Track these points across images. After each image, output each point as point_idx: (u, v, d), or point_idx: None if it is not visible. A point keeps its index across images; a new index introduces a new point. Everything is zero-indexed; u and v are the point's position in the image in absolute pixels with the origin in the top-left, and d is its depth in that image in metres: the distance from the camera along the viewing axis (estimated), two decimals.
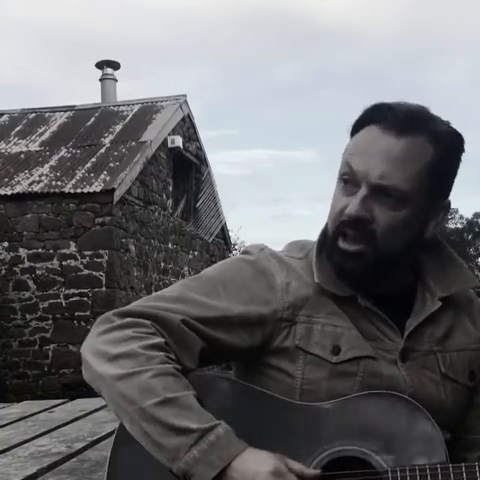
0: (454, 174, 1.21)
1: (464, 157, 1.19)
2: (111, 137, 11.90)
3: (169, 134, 12.17)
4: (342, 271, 1.18)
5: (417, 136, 1.13)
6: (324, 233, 1.23)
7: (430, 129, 1.15)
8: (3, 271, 10.39)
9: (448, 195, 1.21)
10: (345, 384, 1.16)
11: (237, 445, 1.03)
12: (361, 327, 1.18)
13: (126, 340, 1.10)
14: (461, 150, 1.19)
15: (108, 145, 11.63)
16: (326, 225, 1.22)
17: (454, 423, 1.23)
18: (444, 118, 1.18)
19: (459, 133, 1.18)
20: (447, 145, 1.16)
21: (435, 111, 1.19)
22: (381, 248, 1.14)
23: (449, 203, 1.21)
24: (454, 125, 1.18)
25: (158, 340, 1.10)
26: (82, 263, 10.14)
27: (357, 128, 1.19)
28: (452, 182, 1.21)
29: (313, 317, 1.18)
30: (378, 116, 1.15)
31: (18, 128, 12.90)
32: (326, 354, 1.17)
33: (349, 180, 1.16)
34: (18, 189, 10.53)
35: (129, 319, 1.13)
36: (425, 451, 1.10)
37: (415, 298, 1.24)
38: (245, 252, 1.27)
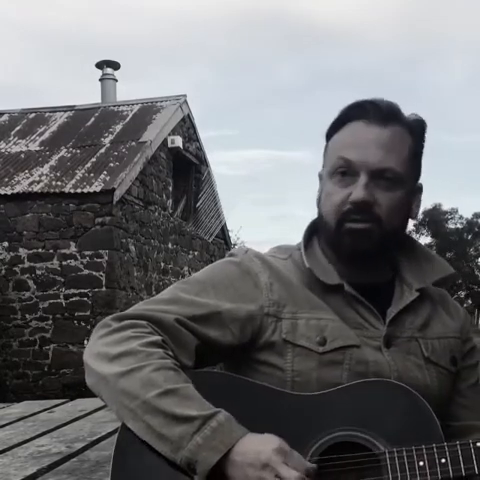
0: (421, 158, 1.32)
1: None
2: (111, 137, 11.90)
3: (169, 134, 12.17)
4: (353, 251, 1.24)
5: (397, 126, 1.26)
6: (311, 227, 1.33)
7: (405, 119, 1.28)
8: (3, 271, 10.38)
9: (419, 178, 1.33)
10: (334, 373, 1.20)
11: (238, 430, 1.06)
12: (345, 316, 1.24)
13: (125, 340, 1.14)
14: (425, 136, 1.32)
15: (108, 145, 11.63)
16: (314, 222, 1.32)
17: (441, 409, 1.25)
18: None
19: (424, 120, 1.31)
20: (419, 133, 1.29)
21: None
22: (385, 226, 1.23)
23: (421, 185, 1.33)
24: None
25: (156, 338, 1.15)
26: (82, 263, 10.14)
27: (336, 129, 1.28)
28: (421, 166, 1.33)
29: (297, 313, 1.23)
30: (358, 113, 1.26)
31: (18, 128, 12.90)
32: (313, 345, 1.21)
33: (346, 172, 1.24)
34: (18, 189, 10.53)
35: (127, 321, 1.18)
36: (421, 432, 1.13)
37: (394, 291, 1.30)
38: (231, 255, 1.34)
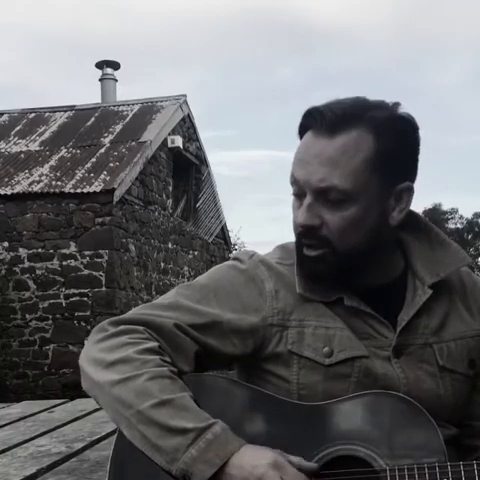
0: (410, 156, 1.18)
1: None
2: (111, 137, 11.90)
3: (169, 134, 12.17)
4: (314, 276, 1.19)
5: (351, 131, 1.12)
6: None
7: (366, 119, 1.13)
8: (3, 271, 10.38)
9: (409, 178, 1.18)
10: (340, 386, 1.16)
11: (234, 442, 1.04)
12: (353, 326, 1.18)
13: (121, 346, 1.12)
14: (410, 131, 1.17)
15: (108, 145, 11.63)
16: None
17: (458, 415, 1.22)
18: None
19: (402, 115, 1.16)
20: (390, 130, 1.13)
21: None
22: (340, 249, 1.15)
23: (409, 186, 1.18)
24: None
25: (152, 344, 1.12)
26: (82, 263, 10.14)
27: (300, 136, 1.19)
28: (412, 164, 1.19)
29: (304, 321, 1.19)
30: (310, 121, 1.16)
31: (18, 128, 12.90)
32: (319, 357, 1.17)
33: (297, 190, 1.17)
34: (18, 189, 10.53)
35: (123, 327, 1.15)
36: (424, 450, 1.09)
37: (406, 287, 1.22)
38: (236, 259, 1.28)
